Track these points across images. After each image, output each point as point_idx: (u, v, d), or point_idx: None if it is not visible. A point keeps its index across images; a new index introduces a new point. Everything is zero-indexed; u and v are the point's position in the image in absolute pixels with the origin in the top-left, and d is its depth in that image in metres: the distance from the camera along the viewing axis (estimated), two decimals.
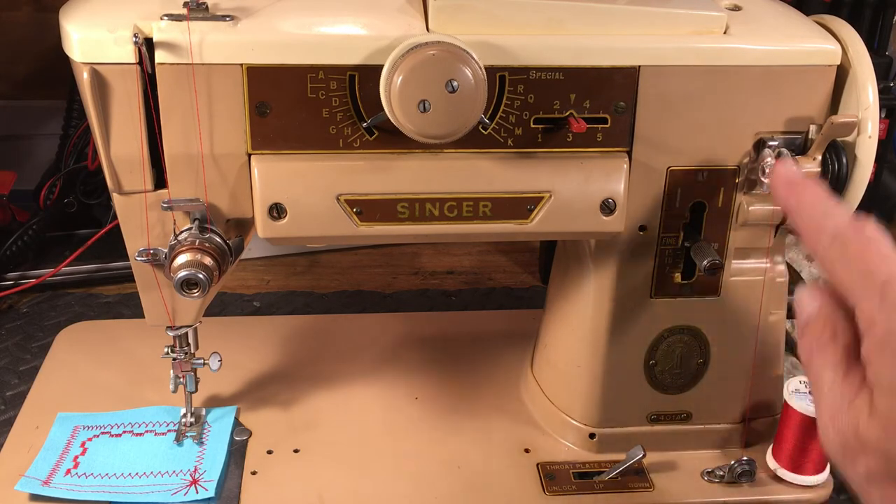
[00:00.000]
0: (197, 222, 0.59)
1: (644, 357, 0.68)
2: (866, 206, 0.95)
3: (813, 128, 0.60)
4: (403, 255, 1.02)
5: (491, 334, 0.84)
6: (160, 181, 0.58)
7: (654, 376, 0.68)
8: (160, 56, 0.54)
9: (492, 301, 0.94)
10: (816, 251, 0.43)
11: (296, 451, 0.70)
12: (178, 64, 0.54)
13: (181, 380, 0.69)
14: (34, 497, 0.64)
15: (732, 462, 0.68)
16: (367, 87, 0.56)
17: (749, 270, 0.66)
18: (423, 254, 1.02)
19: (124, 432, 0.70)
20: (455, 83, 0.52)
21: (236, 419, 0.72)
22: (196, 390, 0.70)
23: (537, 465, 0.69)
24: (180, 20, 0.53)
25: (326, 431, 0.72)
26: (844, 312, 0.42)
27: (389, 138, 0.57)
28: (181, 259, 0.58)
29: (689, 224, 0.63)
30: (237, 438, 0.70)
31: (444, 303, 0.93)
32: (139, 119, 0.55)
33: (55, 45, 0.57)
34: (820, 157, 0.59)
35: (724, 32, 0.59)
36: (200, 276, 0.58)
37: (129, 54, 0.53)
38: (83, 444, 0.69)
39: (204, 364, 0.68)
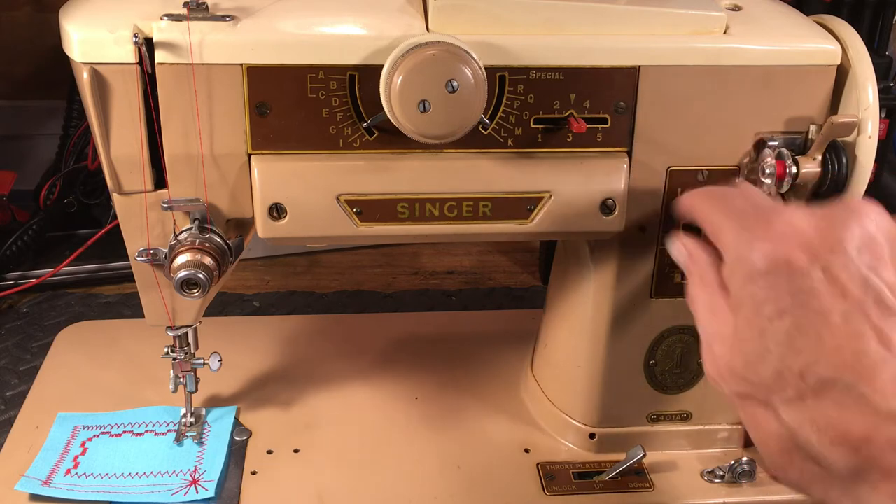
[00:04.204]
0: (197, 222, 0.59)
1: (644, 357, 0.68)
2: None
3: (813, 128, 0.60)
4: (403, 255, 1.02)
5: (491, 334, 0.84)
6: (160, 181, 0.58)
7: (654, 376, 0.69)
8: (160, 56, 0.54)
9: (492, 301, 0.94)
10: (694, 204, 0.49)
11: (296, 451, 0.70)
12: (178, 64, 0.54)
13: (181, 380, 0.69)
14: (34, 497, 0.64)
15: (732, 462, 0.68)
16: (367, 87, 0.56)
17: None
18: (423, 254, 1.02)
19: (124, 432, 0.70)
20: (455, 83, 0.52)
21: (236, 419, 0.72)
22: (196, 390, 0.70)
23: (537, 465, 0.69)
24: (180, 20, 0.53)
25: (326, 431, 0.72)
26: (713, 252, 0.47)
27: (389, 138, 0.57)
28: (181, 259, 0.58)
29: (689, 224, 0.63)
30: (237, 438, 0.70)
31: (444, 303, 0.93)
32: (139, 119, 0.55)
33: (55, 45, 0.56)
34: (820, 157, 0.59)
35: (724, 32, 0.59)
36: (200, 276, 0.58)
37: (129, 54, 0.53)
38: (83, 444, 0.69)
39: (204, 364, 0.68)
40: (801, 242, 0.41)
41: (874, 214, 0.42)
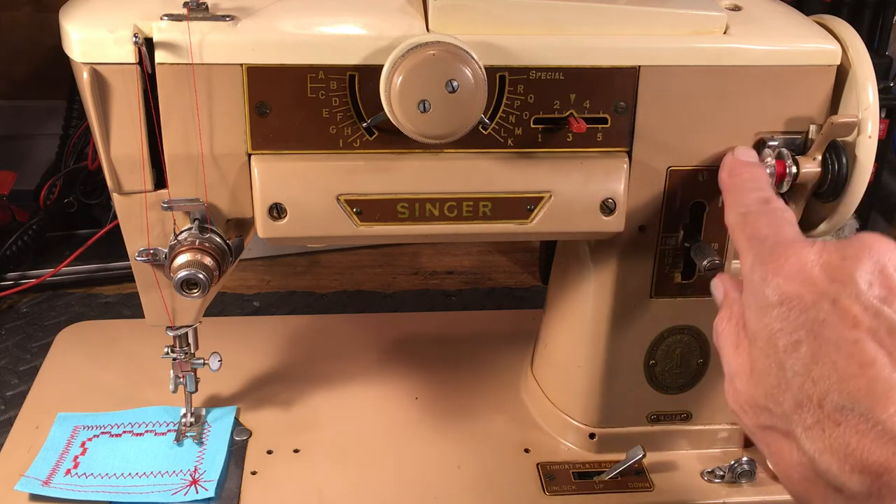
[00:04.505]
0: (197, 222, 0.59)
1: (644, 357, 0.68)
2: (866, 206, 0.95)
3: (813, 128, 0.60)
4: (403, 255, 1.02)
5: (491, 334, 0.84)
6: (160, 181, 0.58)
7: (654, 376, 0.69)
8: (160, 56, 0.54)
9: (492, 301, 0.94)
10: (727, 219, 0.51)
11: (296, 451, 0.70)
12: (178, 64, 0.54)
13: (181, 380, 0.69)
14: (34, 497, 0.64)
15: (732, 462, 0.68)
16: (367, 87, 0.56)
17: None
18: (423, 254, 1.02)
19: (124, 432, 0.70)
20: (455, 83, 0.52)
21: (236, 419, 0.72)
22: (196, 390, 0.70)
23: (537, 465, 0.69)
24: (180, 20, 0.53)
25: (326, 431, 0.72)
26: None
27: (389, 138, 0.57)
28: (181, 259, 0.58)
29: (689, 224, 0.63)
30: (237, 438, 0.70)
31: (444, 303, 0.93)
32: (139, 119, 0.55)
33: (55, 45, 0.57)
34: (820, 157, 0.59)
35: (724, 32, 0.59)
36: (200, 276, 0.58)
37: (129, 54, 0.53)
38: (83, 444, 0.69)
39: (204, 364, 0.68)
40: (812, 279, 0.42)
41: (886, 249, 0.42)
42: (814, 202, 0.62)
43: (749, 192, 0.51)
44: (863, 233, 0.43)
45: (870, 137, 0.58)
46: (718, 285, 0.51)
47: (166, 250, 0.60)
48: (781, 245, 0.45)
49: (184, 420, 0.70)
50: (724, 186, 0.53)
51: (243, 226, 0.61)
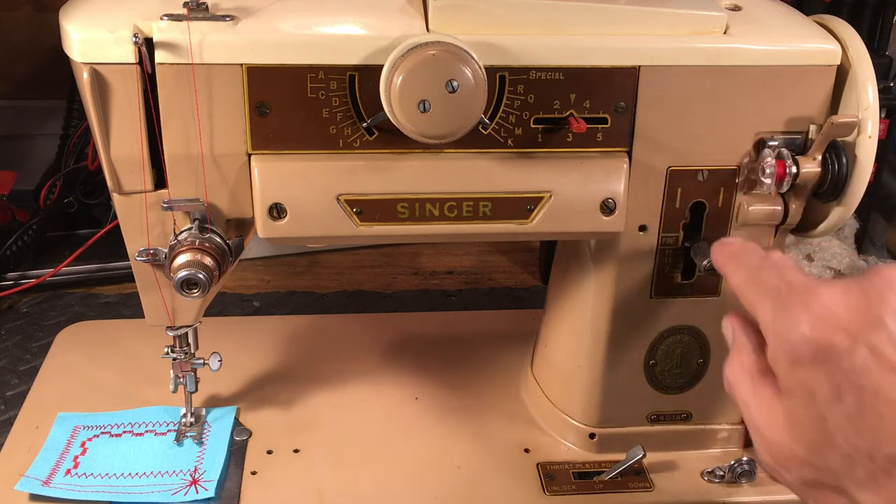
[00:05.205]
0: (197, 222, 0.59)
1: (644, 357, 0.68)
2: (866, 206, 0.95)
3: (813, 128, 0.60)
4: (403, 255, 1.02)
5: (491, 334, 0.84)
6: (160, 181, 0.58)
7: (654, 376, 0.69)
8: (160, 56, 0.54)
9: (492, 301, 0.94)
10: (730, 282, 0.48)
11: (296, 451, 0.70)
12: (178, 64, 0.54)
13: (181, 380, 0.69)
14: (34, 497, 0.64)
15: (732, 462, 0.68)
16: (367, 87, 0.56)
17: None
18: (423, 254, 1.02)
19: (124, 432, 0.70)
20: (455, 83, 0.52)
21: (236, 419, 0.72)
22: (196, 390, 0.70)
23: (537, 465, 0.69)
24: (180, 20, 0.53)
25: (326, 431, 0.72)
26: (755, 337, 0.46)
27: (389, 138, 0.57)
28: (181, 259, 0.58)
29: (689, 224, 0.63)
30: (237, 438, 0.70)
31: (444, 303, 0.93)
32: (139, 119, 0.55)
33: (55, 45, 0.57)
34: (820, 157, 0.59)
35: (724, 32, 0.59)
36: (200, 276, 0.58)
37: (129, 54, 0.53)
38: (83, 444, 0.69)
39: (204, 364, 0.68)
40: (840, 324, 0.40)
41: None
42: (814, 202, 0.62)
43: (745, 255, 0.49)
44: (880, 266, 0.42)
45: (870, 137, 0.58)
46: (728, 327, 0.49)
47: (166, 250, 0.60)
48: (796, 290, 0.43)
49: (184, 420, 0.70)
50: (720, 260, 0.51)
51: (243, 226, 0.61)
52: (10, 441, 0.70)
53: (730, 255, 0.50)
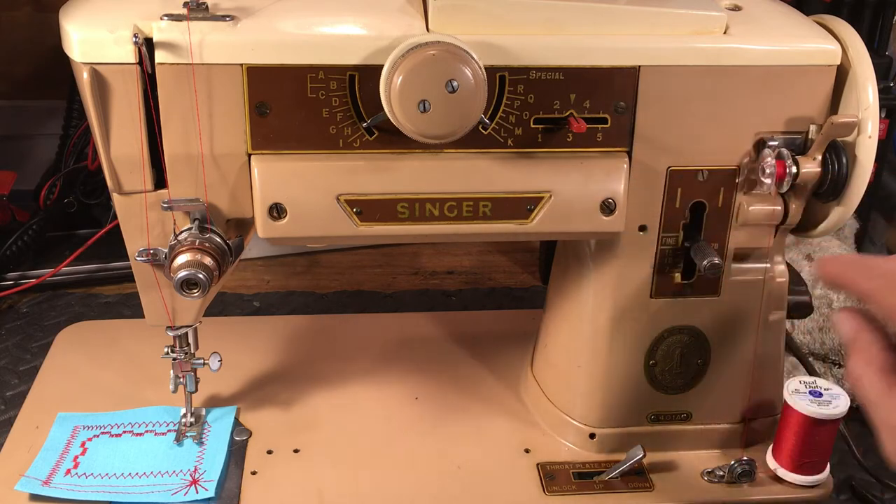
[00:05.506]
0: (197, 222, 0.59)
1: (644, 357, 0.68)
2: (866, 206, 0.95)
3: (813, 128, 0.60)
4: (403, 255, 1.02)
5: (491, 334, 0.84)
6: (160, 181, 0.58)
7: (654, 376, 0.69)
8: (160, 56, 0.54)
9: (492, 301, 0.94)
10: (864, 289, 0.46)
11: (296, 451, 0.70)
12: (178, 64, 0.54)
13: (181, 380, 0.69)
14: (34, 497, 0.64)
15: (732, 462, 0.68)
16: (367, 87, 0.56)
17: (749, 270, 0.66)
18: (423, 254, 1.02)
19: (124, 432, 0.70)
20: (455, 83, 0.52)
21: (236, 419, 0.72)
22: (196, 390, 0.70)
23: (537, 465, 0.69)
24: (180, 20, 0.53)
25: (326, 431, 0.72)
26: (881, 334, 0.45)
27: (389, 138, 0.57)
28: (181, 259, 0.58)
29: (689, 224, 0.63)
30: (237, 438, 0.70)
31: (444, 303, 0.93)
32: (139, 119, 0.55)
33: (55, 45, 0.57)
34: (820, 157, 0.59)
35: (724, 32, 0.59)
36: (200, 276, 0.58)
37: (129, 54, 0.53)
38: (83, 444, 0.69)
39: (204, 364, 0.68)
40: None
41: None
42: (814, 202, 0.62)
43: (868, 262, 0.48)
44: None
45: (870, 137, 0.58)
46: (845, 321, 0.47)
47: (166, 250, 0.60)
48: None
49: (184, 420, 0.70)
50: (836, 271, 0.48)
51: (243, 226, 0.61)
52: (10, 441, 0.70)
53: (847, 266, 0.48)
